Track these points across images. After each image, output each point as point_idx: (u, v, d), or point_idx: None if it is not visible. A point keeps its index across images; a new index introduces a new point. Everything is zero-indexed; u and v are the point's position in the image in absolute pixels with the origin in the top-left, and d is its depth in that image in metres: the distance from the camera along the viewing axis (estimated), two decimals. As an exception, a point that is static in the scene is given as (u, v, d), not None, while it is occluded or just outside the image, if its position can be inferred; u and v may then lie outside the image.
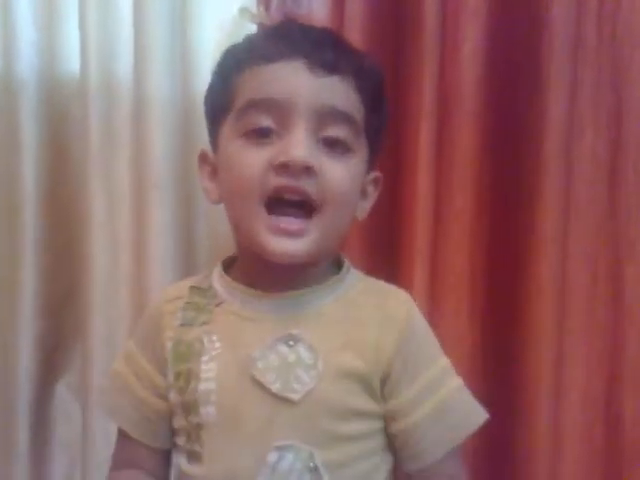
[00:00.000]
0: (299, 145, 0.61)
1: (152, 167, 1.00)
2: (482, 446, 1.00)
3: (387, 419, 0.67)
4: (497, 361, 0.99)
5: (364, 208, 0.72)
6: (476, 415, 0.69)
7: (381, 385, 0.65)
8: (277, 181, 0.62)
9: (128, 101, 1.01)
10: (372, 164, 0.71)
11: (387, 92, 0.73)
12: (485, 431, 0.98)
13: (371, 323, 0.66)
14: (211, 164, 0.70)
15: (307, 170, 0.62)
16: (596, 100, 0.94)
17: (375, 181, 0.73)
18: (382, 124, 0.71)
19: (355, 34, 0.95)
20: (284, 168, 0.61)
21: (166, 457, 0.72)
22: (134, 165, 1.02)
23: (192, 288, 0.71)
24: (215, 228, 1.01)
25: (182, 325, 0.68)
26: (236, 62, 0.67)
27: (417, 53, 0.94)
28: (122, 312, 1.02)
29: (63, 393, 1.08)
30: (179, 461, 0.68)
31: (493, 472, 1.01)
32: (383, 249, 0.97)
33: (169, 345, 0.68)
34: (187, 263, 1.02)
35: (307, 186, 0.62)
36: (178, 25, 1.00)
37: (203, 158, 0.71)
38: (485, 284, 0.98)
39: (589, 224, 0.96)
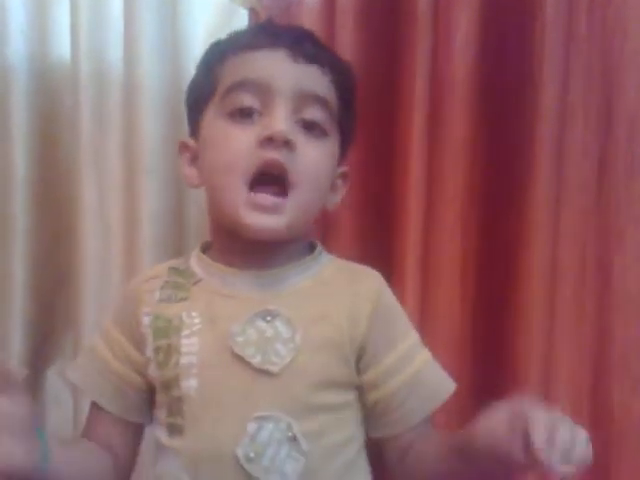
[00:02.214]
0: (280, 121, 0.66)
1: (143, 153, 1.00)
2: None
3: (366, 389, 0.69)
4: (487, 346, 0.99)
5: (333, 201, 0.76)
6: (447, 386, 0.73)
7: (357, 357, 0.68)
8: (260, 156, 0.65)
9: (119, 87, 1.00)
10: (342, 159, 0.75)
11: (358, 93, 0.77)
12: (474, 416, 1.01)
13: (345, 299, 0.69)
14: (191, 150, 0.73)
15: (287, 144, 0.65)
16: (587, 89, 0.94)
17: (344, 176, 0.77)
18: (352, 122, 0.76)
19: (348, 21, 0.95)
20: (267, 142, 0.65)
21: (138, 432, 0.74)
22: (125, 151, 1.01)
23: (171, 269, 0.74)
24: (205, 211, 1.01)
25: (160, 301, 0.70)
26: (220, 52, 0.71)
27: (410, 41, 0.94)
28: (113, 299, 1.01)
29: (54, 379, 1.08)
30: (158, 434, 0.70)
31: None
32: (375, 235, 0.98)
33: (146, 320, 0.70)
34: (178, 249, 1.01)
35: (286, 161, 0.65)
36: (169, 12, 1.00)
37: (183, 147, 0.75)
38: (476, 270, 0.99)
39: (578, 212, 0.96)
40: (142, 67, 0.98)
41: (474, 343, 1.00)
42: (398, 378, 0.69)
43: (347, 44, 0.95)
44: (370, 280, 0.73)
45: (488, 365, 1.00)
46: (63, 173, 1.05)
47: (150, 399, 0.73)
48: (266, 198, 0.66)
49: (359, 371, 0.69)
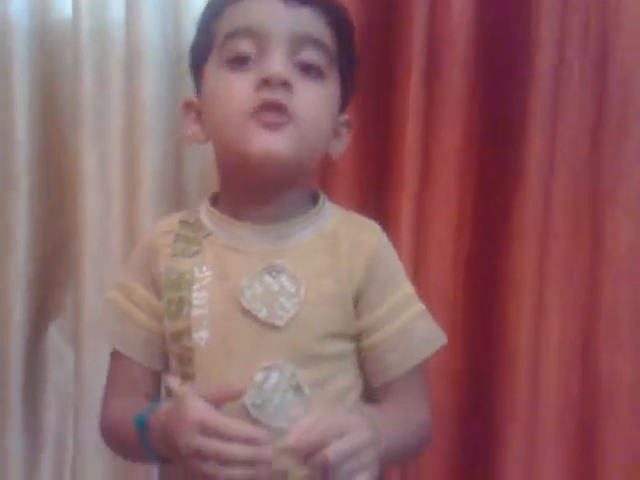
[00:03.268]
0: (277, 64, 0.67)
1: (143, 113, 1.01)
2: (464, 393, 1.04)
3: (360, 336, 0.72)
4: (479, 304, 1.02)
5: (337, 148, 0.77)
6: (437, 337, 0.75)
7: (354, 305, 0.71)
8: (259, 98, 0.67)
9: (120, 46, 1.01)
10: (344, 105, 0.76)
11: (356, 37, 0.77)
12: (467, 376, 1.03)
13: (346, 250, 0.71)
14: (195, 108, 0.75)
15: (284, 85, 0.67)
16: (583, 48, 0.96)
17: (347, 123, 0.78)
18: (352, 66, 0.76)
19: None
20: (265, 84, 0.67)
21: (160, 378, 0.76)
22: (125, 110, 1.02)
23: (181, 222, 0.75)
24: (204, 173, 1.03)
25: (174, 256, 0.72)
26: (215, 8, 0.73)
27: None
28: (113, 258, 1.03)
29: (55, 337, 1.10)
30: (170, 382, 0.72)
31: (474, 418, 1.05)
32: (372, 190, 0.99)
33: (163, 271, 0.72)
34: (177, 209, 1.02)
35: (284, 99, 0.67)
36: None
37: (187, 105, 0.76)
38: (470, 228, 1.01)
39: (572, 169, 0.98)
40: (143, 25, 0.99)
41: (466, 299, 1.02)
42: (390, 326, 0.71)
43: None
44: (370, 232, 0.75)
45: (479, 325, 1.02)
46: (64, 132, 1.06)
47: None
48: (270, 115, 0.67)
49: (357, 318, 0.72)
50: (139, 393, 0.74)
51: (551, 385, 1.03)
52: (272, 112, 0.67)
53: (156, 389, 0.76)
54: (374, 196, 0.99)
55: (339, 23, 0.73)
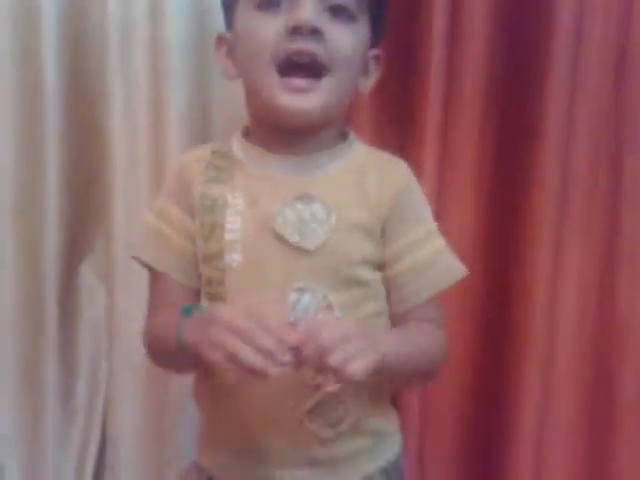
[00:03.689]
0: (307, 10, 0.67)
1: (169, 55, 1.03)
2: (480, 326, 1.07)
3: (384, 265, 0.75)
4: (498, 251, 1.04)
5: (367, 85, 0.78)
6: (457, 270, 0.78)
7: (381, 235, 0.74)
8: (288, 45, 0.68)
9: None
10: (374, 41, 0.76)
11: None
12: (483, 314, 1.05)
13: (374, 183, 0.74)
14: (227, 43, 0.76)
15: (315, 32, 0.68)
16: (605, 25, 0.96)
17: (376, 58, 0.78)
18: (382, 3, 0.76)
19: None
20: (294, 31, 0.67)
21: (198, 296, 0.78)
22: (151, 53, 1.04)
23: (214, 152, 0.77)
24: (228, 112, 1.04)
25: (206, 182, 0.75)
26: None
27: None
28: (142, 194, 1.06)
29: (87, 273, 1.14)
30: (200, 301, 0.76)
31: (490, 353, 1.08)
32: (393, 137, 1.01)
33: (196, 194, 0.75)
34: (203, 143, 1.04)
35: (315, 48, 0.68)
36: None
37: (220, 40, 0.77)
38: (491, 173, 1.02)
39: (592, 116, 0.99)
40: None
41: (485, 246, 1.04)
42: (410, 258, 0.74)
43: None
44: (397, 168, 0.77)
45: (497, 270, 1.05)
46: (92, 76, 1.07)
47: None
48: (299, 82, 0.68)
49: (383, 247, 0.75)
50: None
51: (569, 321, 1.05)
52: (299, 74, 0.68)
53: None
54: (396, 141, 0.99)
55: None
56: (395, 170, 0.77)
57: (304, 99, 0.69)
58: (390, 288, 0.76)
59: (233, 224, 0.72)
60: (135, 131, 1.06)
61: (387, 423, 0.80)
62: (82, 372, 1.15)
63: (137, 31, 1.04)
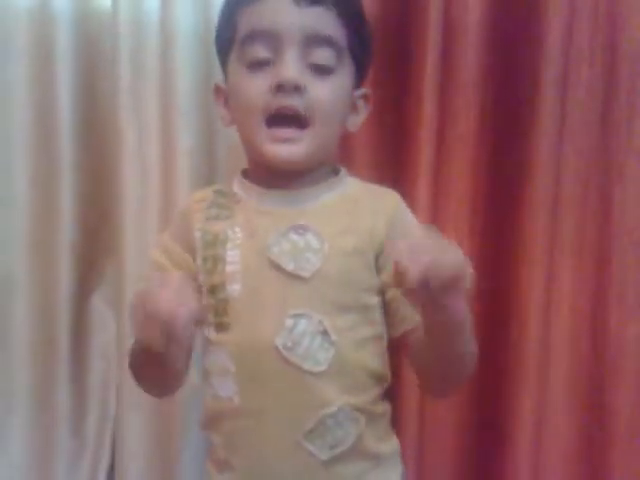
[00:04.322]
0: (289, 68, 0.74)
1: (178, 95, 1.08)
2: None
3: (383, 290, 0.78)
4: (492, 276, 1.07)
5: (356, 122, 0.84)
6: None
7: (375, 262, 0.77)
8: (274, 100, 0.74)
9: (155, 33, 1.08)
10: (360, 80, 0.83)
11: (367, 16, 0.83)
12: (477, 334, 1.07)
13: (366, 213, 0.78)
14: (224, 93, 0.83)
15: (297, 89, 0.74)
16: (592, 29, 1.01)
17: (365, 97, 0.84)
18: (365, 43, 0.82)
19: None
20: (279, 89, 0.74)
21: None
22: (161, 93, 1.10)
23: (216, 192, 0.83)
24: (233, 151, 1.08)
25: (208, 219, 0.80)
26: (234, 3, 0.80)
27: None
28: (152, 229, 1.11)
29: (98, 304, 1.18)
30: (206, 333, 0.80)
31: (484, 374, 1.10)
32: (388, 171, 1.05)
33: (198, 235, 0.80)
34: (209, 183, 1.09)
35: (298, 104, 0.74)
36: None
37: (217, 90, 0.84)
38: (484, 205, 1.06)
39: (582, 147, 1.03)
40: (177, 14, 1.07)
41: (479, 275, 1.07)
42: None
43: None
44: (389, 196, 0.82)
45: (491, 297, 1.07)
46: (105, 114, 1.13)
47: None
48: (284, 132, 0.75)
49: (378, 273, 0.78)
50: None
51: (563, 347, 1.08)
52: (284, 124, 0.74)
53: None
54: (390, 176, 1.03)
55: (349, 11, 0.79)
56: (387, 198, 0.81)
57: (290, 148, 0.75)
58: (389, 311, 0.79)
59: (233, 257, 0.77)
60: (145, 168, 1.10)
61: (387, 447, 0.82)
62: (92, 400, 1.18)
63: (148, 73, 1.09)
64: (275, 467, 0.75)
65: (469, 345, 0.75)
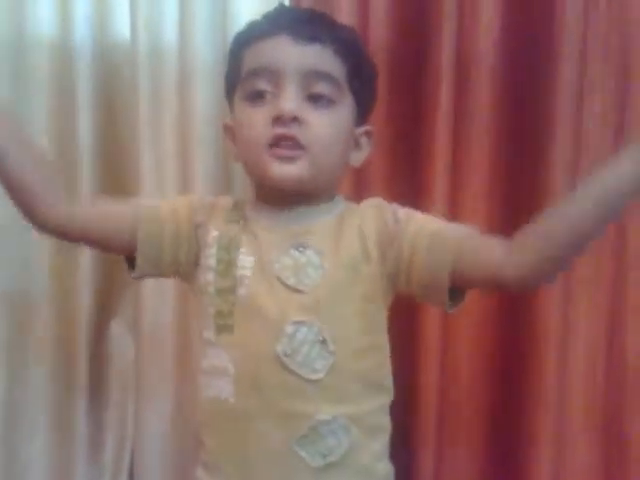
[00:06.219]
0: (287, 101, 0.77)
1: (195, 125, 1.11)
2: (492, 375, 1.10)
3: (405, 258, 0.79)
4: (507, 310, 1.08)
5: (359, 158, 0.86)
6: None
7: (383, 259, 0.79)
8: (274, 131, 0.77)
9: (173, 65, 1.11)
10: (362, 118, 0.85)
11: (368, 57, 0.85)
12: (495, 363, 1.08)
13: (358, 220, 0.81)
14: (232, 131, 0.85)
15: (295, 120, 0.76)
16: (605, 61, 1.02)
17: (367, 134, 0.86)
18: (365, 83, 0.84)
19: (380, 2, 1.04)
20: (278, 120, 0.76)
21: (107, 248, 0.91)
22: (179, 124, 1.12)
23: (235, 203, 0.86)
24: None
25: (226, 223, 0.83)
26: (239, 43, 0.83)
27: (437, 23, 1.02)
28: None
29: (117, 330, 1.20)
30: (207, 334, 0.81)
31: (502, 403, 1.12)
32: (404, 178, 1.06)
33: (215, 234, 0.82)
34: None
35: (296, 133, 0.77)
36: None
37: (226, 128, 0.87)
38: (501, 212, 1.07)
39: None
40: (194, 46, 1.09)
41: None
42: (423, 234, 0.78)
43: (381, 21, 1.04)
44: (373, 200, 0.84)
45: (507, 322, 1.09)
46: (124, 143, 1.16)
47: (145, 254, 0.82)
48: (285, 151, 0.77)
49: (386, 260, 0.79)
50: (100, 211, 0.85)
51: (579, 373, 1.09)
52: (285, 147, 0.77)
53: (100, 232, 0.84)
54: (405, 183, 1.06)
55: (347, 48, 0.81)
56: (372, 202, 0.84)
57: (290, 166, 0.77)
58: (418, 281, 0.79)
59: (244, 262, 0.80)
60: (163, 194, 1.12)
61: (381, 468, 0.82)
62: (110, 425, 1.20)
63: (166, 103, 1.12)
64: (265, 471, 0.77)
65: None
